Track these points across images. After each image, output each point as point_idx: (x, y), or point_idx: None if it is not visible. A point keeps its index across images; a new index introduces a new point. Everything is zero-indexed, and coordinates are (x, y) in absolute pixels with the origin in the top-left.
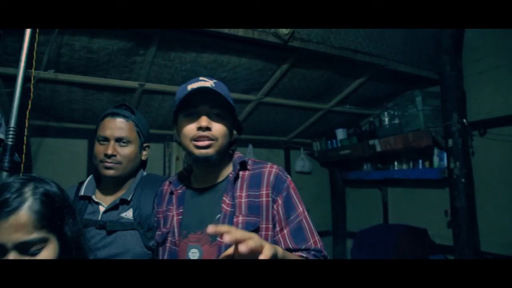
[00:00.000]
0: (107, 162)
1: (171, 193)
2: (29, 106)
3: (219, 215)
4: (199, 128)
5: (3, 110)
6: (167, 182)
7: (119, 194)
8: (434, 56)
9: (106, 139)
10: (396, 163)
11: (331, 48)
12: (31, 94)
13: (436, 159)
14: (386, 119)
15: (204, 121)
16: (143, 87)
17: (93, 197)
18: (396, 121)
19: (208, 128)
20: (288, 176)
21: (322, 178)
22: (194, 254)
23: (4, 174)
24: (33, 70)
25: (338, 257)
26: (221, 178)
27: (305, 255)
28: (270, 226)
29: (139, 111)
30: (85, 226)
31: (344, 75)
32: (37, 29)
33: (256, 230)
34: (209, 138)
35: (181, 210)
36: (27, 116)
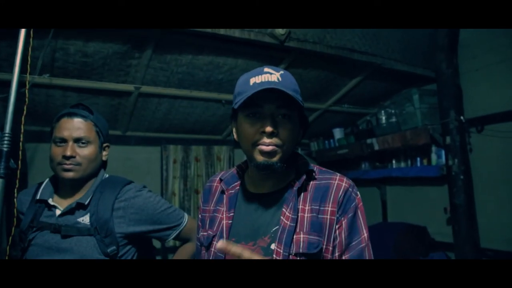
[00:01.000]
0: (65, 164)
1: (222, 192)
2: (24, 112)
3: (276, 227)
4: (263, 133)
5: None
6: (217, 179)
7: (77, 197)
8: (430, 54)
9: (64, 140)
10: (394, 162)
11: (327, 47)
12: (26, 100)
13: (434, 157)
14: (384, 118)
15: (269, 126)
16: (138, 90)
17: (49, 200)
18: (394, 119)
19: (273, 133)
20: (358, 193)
21: None
22: None
23: (0, 181)
24: (27, 75)
25: None
26: (281, 185)
27: None
28: (330, 248)
29: (136, 114)
30: (40, 228)
31: (340, 75)
32: (31, 34)
33: (320, 251)
34: (274, 144)
35: (231, 214)
36: (23, 122)
